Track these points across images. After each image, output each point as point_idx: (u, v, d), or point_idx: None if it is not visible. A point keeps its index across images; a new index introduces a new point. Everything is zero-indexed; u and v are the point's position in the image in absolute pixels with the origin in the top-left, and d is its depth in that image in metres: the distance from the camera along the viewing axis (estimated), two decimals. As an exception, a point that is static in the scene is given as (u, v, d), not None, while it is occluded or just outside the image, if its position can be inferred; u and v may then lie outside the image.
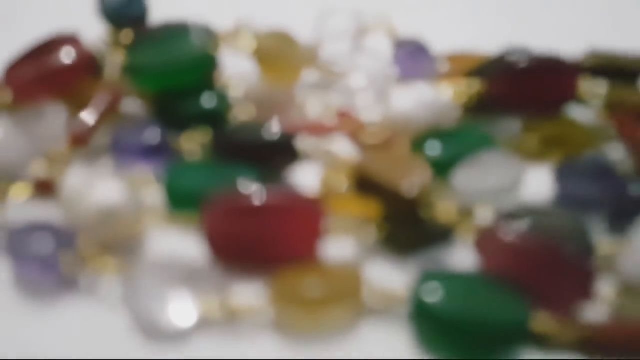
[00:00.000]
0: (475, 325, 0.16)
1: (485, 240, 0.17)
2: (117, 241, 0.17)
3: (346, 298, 0.16)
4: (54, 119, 0.19)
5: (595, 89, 0.21)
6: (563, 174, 0.19)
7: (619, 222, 0.18)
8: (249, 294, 0.16)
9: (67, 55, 0.19)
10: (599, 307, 0.16)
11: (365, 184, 0.18)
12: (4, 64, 0.20)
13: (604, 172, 0.19)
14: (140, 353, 0.15)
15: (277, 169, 0.19)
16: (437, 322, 0.16)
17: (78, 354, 0.15)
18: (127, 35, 0.21)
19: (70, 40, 0.20)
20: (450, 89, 0.21)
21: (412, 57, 0.22)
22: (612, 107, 0.20)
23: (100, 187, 0.16)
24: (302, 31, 0.21)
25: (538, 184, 0.19)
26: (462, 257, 0.17)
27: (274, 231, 0.16)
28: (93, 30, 0.21)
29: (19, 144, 0.18)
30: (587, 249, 0.18)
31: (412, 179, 0.17)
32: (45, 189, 0.18)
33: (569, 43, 0.21)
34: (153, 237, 0.17)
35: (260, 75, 0.20)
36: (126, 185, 0.17)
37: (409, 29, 0.22)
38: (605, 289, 0.17)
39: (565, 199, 0.19)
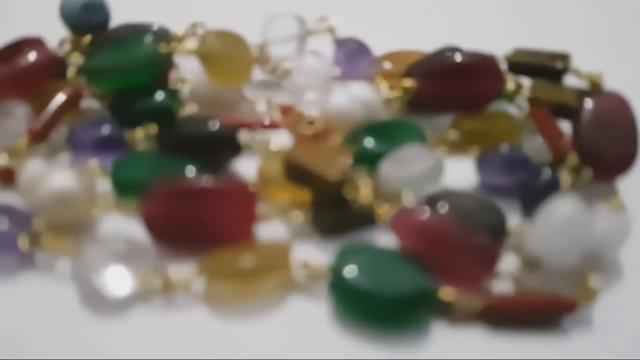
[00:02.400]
0: (385, 294, 0.17)
1: (400, 220, 0.19)
2: (69, 223, 0.18)
3: (274, 271, 0.18)
4: (16, 116, 0.20)
5: (519, 85, 0.22)
6: (482, 164, 0.21)
7: (530, 206, 0.20)
8: (185, 270, 0.18)
9: (31, 56, 0.21)
10: (505, 282, 0.18)
11: (294, 172, 0.19)
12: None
13: (517, 162, 0.21)
14: (87, 322, 0.17)
15: (218, 161, 0.20)
16: (352, 293, 0.17)
17: (34, 325, 0.17)
18: (87, 39, 0.23)
19: (34, 41, 0.21)
20: (386, 86, 0.22)
21: (351, 56, 0.24)
22: (533, 103, 0.22)
23: (54, 175, 0.18)
24: (252, 34, 0.23)
25: (462, 174, 0.21)
26: (383, 239, 0.19)
27: (209, 214, 0.18)
28: (58, 35, 0.23)
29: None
30: (498, 229, 0.19)
31: (336, 166, 0.19)
32: (6, 177, 0.19)
33: (496, 42, 0.23)
34: (101, 220, 0.19)
35: (207, 74, 0.22)
36: (78, 174, 0.18)
37: (350, 31, 0.24)
38: (511, 265, 0.18)
39: (484, 187, 0.21)
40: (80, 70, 0.21)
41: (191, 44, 0.22)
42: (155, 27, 0.23)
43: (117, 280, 0.17)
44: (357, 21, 0.25)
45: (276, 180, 0.20)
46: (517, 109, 0.23)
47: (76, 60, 0.22)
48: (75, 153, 0.20)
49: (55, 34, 0.22)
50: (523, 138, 0.22)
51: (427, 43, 0.23)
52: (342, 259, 0.18)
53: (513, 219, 0.20)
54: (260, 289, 0.18)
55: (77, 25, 0.23)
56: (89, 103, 0.22)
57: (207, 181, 0.18)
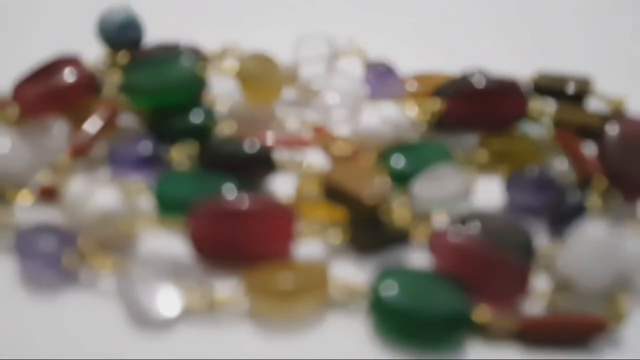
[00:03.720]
0: (423, 315, 0.18)
1: (437, 242, 0.19)
2: (112, 241, 0.19)
3: (314, 291, 0.18)
4: (57, 132, 0.21)
5: (543, 107, 0.23)
6: (511, 185, 0.22)
7: (558, 227, 0.21)
8: (228, 288, 0.18)
9: (69, 75, 0.21)
10: (537, 302, 0.19)
11: (332, 192, 0.20)
12: (12, 81, 0.22)
13: (545, 183, 0.21)
14: (132, 340, 0.17)
15: (256, 180, 0.21)
16: (391, 313, 0.18)
17: (77, 341, 0.17)
18: (123, 57, 0.23)
19: (72, 61, 0.22)
20: (414, 107, 0.23)
21: (381, 78, 0.24)
22: (558, 125, 0.23)
23: (98, 194, 0.18)
24: (282, 53, 0.23)
25: (490, 193, 0.21)
26: (418, 257, 0.20)
27: (250, 233, 0.19)
28: (93, 51, 0.23)
29: (25, 155, 0.20)
30: (528, 251, 0.20)
31: (373, 188, 0.20)
32: (49, 195, 0.20)
33: (520, 65, 0.24)
34: (144, 238, 0.19)
35: (242, 94, 0.23)
36: (121, 192, 0.19)
37: (378, 52, 0.25)
38: (543, 286, 0.19)
39: (513, 207, 0.22)
40: (120, 89, 0.22)
41: (229, 65, 0.22)
42: (189, 47, 0.24)
43: (166, 300, 0.17)
44: (382, 41, 0.25)
45: (313, 199, 0.20)
46: (541, 130, 0.23)
47: (113, 78, 0.22)
48: (115, 169, 0.21)
49: (84, 46, 0.23)
50: (548, 159, 0.23)
51: (452, 63, 0.24)
52: (382, 279, 0.18)
53: (541, 239, 0.20)
54: (300, 307, 0.18)
55: (113, 42, 0.23)
56: (125, 118, 0.22)
57: (249, 201, 0.19)
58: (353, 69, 0.24)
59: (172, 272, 0.18)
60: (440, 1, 0.28)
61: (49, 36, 0.26)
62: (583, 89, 0.24)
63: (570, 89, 0.23)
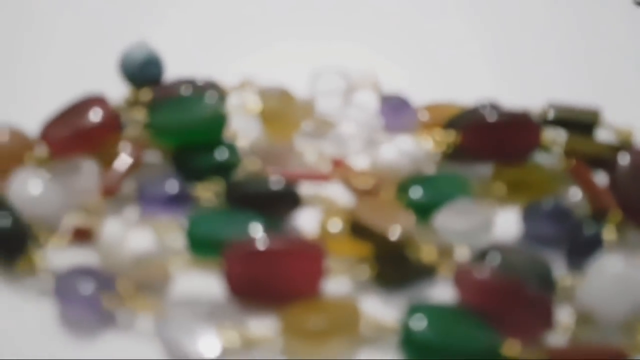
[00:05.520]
0: (455, 350, 0.18)
1: (462, 277, 0.20)
2: (148, 282, 0.19)
3: (346, 329, 0.19)
4: (87, 172, 0.21)
5: (555, 137, 0.24)
6: (528, 215, 0.22)
7: (575, 259, 0.21)
8: (263, 327, 0.19)
9: (96, 115, 0.22)
10: (560, 334, 0.19)
11: (358, 228, 0.21)
12: (38, 121, 0.22)
13: (562, 214, 0.22)
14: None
15: (281, 215, 0.21)
16: (422, 348, 0.18)
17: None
18: (145, 93, 0.24)
19: (98, 100, 0.22)
20: (429, 139, 0.24)
21: (396, 110, 0.25)
22: (570, 155, 0.24)
23: (133, 236, 0.19)
24: (296, 86, 0.24)
25: (507, 224, 0.22)
26: (442, 291, 0.20)
27: (283, 272, 0.19)
28: (112, 89, 0.23)
29: (56, 196, 0.20)
30: (548, 283, 0.21)
31: (398, 225, 0.20)
32: (82, 236, 0.20)
33: (531, 96, 0.24)
34: (178, 277, 0.20)
35: (263, 129, 0.23)
36: (154, 233, 0.19)
37: (392, 82, 0.25)
38: (565, 318, 0.20)
39: (530, 238, 0.22)
40: (145, 127, 0.22)
41: (251, 103, 0.23)
42: (208, 82, 0.24)
43: (206, 341, 0.18)
44: (391, 71, 0.26)
45: (337, 234, 0.21)
46: (553, 161, 0.24)
47: (136, 115, 0.22)
48: (144, 208, 0.21)
49: (101, 83, 0.23)
50: (561, 189, 0.23)
51: (459, 93, 0.25)
52: (411, 314, 0.19)
53: (559, 271, 0.21)
54: (333, 346, 0.19)
55: (135, 79, 0.24)
56: (149, 154, 0.22)
57: (281, 241, 0.19)
58: (368, 102, 0.25)
59: (209, 311, 0.18)
60: (445, 32, 0.29)
61: (70, 75, 0.26)
62: (593, 120, 0.24)
63: (581, 120, 0.24)
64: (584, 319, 0.20)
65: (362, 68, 0.25)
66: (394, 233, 0.20)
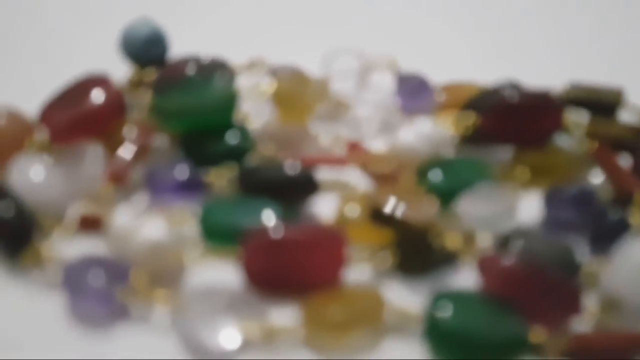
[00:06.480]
0: (481, 338, 0.18)
1: (487, 264, 0.19)
2: (163, 273, 0.18)
3: (368, 319, 0.18)
4: (92, 158, 0.20)
5: (577, 119, 0.23)
6: (550, 201, 0.22)
7: (599, 244, 0.21)
8: (283, 318, 0.18)
9: (98, 97, 0.20)
10: (585, 320, 0.19)
11: (378, 214, 0.20)
12: (38, 104, 0.21)
13: (586, 199, 0.21)
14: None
15: (298, 202, 0.21)
16: (448, 336, 0.18)
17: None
18: (149, 74, 0.23)
19: (100, 81, 0.21)
20: (448, 121, 0.23)
21: (414, 91, 0.24)
22: (592, 137, 0.23)
23: (146, 225, 0.18)
24: (309, 66, 0.23)
25: (529, 209, 0.21)
26: (466, 278, 0.20)
27: (303, 262, 0.18)
28: (117, 68, 0.22)
29: (60, 183, 0.19)
30: (572, 269, 0.20)
31: (421, 211, 0.19)
32: (90, 225, 0.19)
33: (552, 76, 0.24)
34: (194, 268, 0.19)
35: (275, 112, 0.22)
36: (167, 221, 0.18)
37: (409, 61, 0.24)
38: (590, 304, 0.19)
39: (552, 223, 0.22)
40: (151, 111, 0.21)
41: (264, 86, 0.22)
42: (217, 61, 0.23)
43: (226, 333, 0.17)
44: (411, 50, 0.25)
45: (357, 221, 0.20)
46: (575, 143, 0.23)
47: (142, 98, 0.21)
48: (154, 195, 0.20)
49: (105, 63, 0.22)
50: (584, 173, 0.23)
51: (479, 72, 0.24)
52: (436, 302, 0.18)
53: (583, 257, 0.20)
54: (356, 336, 0.18)
55: (139, 58, 0.23)
56: (157, 139, 0.22)
57: (301, 230, 0.19)
58: (384, 83, 0.24)
59: (227, 302, 0.18)
60: (463, 9, 0.28)
61: (69, 54, 0.25)
62: (616, 101, 0.24)
63: (604, 100, 0.24)
64: (610, 305, 0.19)
65: (378, 47, 0.24)
66: (418, 220, 0.19)
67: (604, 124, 0.23)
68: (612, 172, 0.22)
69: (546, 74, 0.24)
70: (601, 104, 0.24)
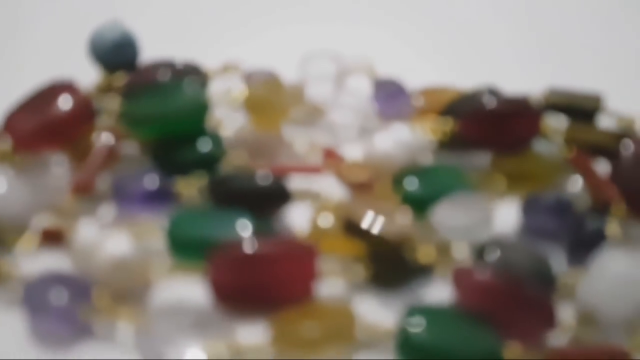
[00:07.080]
0: (455, 353, 0.17)
1: (461, 277, 0.19)
2: (127, 290, 0.18)
3: (340, 336, 0.18)
4: (56, 168, 0.19)
5: (556, 124, 0.23)
6: (528, 209, 0.21)
7: (576, 254, 0.21)
8: (252, 335, 0.18)
9: (65, 103, 0.20)
10: (562, 334, 0.19)
11: (352, 226, 0.19)
12: (2, 112, 0.20)
13: (563, 207, 0.21)
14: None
15: (270, 212, 0.20)
16: (421, 352, 0.17)
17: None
18: (119, 79, 0.22)
19: (67, 87, 0.20)
20: (425, 127, 0.22)
21: (390, 97, 0.23)
22: (571, 143, 0.23)
23: (110, 240, 0.17)
24: (284, 69, 0.22)
25: (505, 216, 0.21)
26: (440, 291, 0.19)
27: (272, 277, 0.18)
28: (85, 74, 0.22)
29: (23, 194, 0.19)
30: (549, 281, 0.20)
31: (395, 223, 0.19)
32: (53, 238, 0.19)
33: (531, 81, 0.23)
34: (160, 283, 0.18)
35: (248, 118, 0.22)
36: (133, 235, 0.18)
37: (386, 66, 0.24)
38: (566, 316, 0.19)
39: (529, 231, 0.21)
40: (120, 118, 0.21)
41: (236, 92, 0.21)
42: (189, 65, 0.22)
43: (191, 354, 0.16)
44: (388, 54, 0.25)
45: (330, 231, 0.20)
46: (553, 149, 0.23)
47: (110, 103, 0.21)
48: (120, 205, 0.20)
49: (72, 68, 0.21)
50: (562, 179, 0.22)
51: (457, 76, 0.23)
52: (408, 317, 0.18)
53: (560, 266, 0.20)
54: (326, 354, 0.18)
55: (108, 62, 0.22)
56: (125, 146, 0.21)
57: (271, 244, 0.18)
58: (361, 87, 0.24)
59: (193, 321, 0.17)
60: (444, 15, 0.27)
61: (35, 59, 0.24)
62: (595, 106, 0.23)
63: (583, 106, 0.23)
64: (586, 318, 0.19)
65: (355, 51, 0.24)
66: (391, 233, 0.19)
67: (583, 129, 0.23)
68: (589, 179, 0.22)
69: (525, 79, 0.23)
70: (580, 109, 0.23)
